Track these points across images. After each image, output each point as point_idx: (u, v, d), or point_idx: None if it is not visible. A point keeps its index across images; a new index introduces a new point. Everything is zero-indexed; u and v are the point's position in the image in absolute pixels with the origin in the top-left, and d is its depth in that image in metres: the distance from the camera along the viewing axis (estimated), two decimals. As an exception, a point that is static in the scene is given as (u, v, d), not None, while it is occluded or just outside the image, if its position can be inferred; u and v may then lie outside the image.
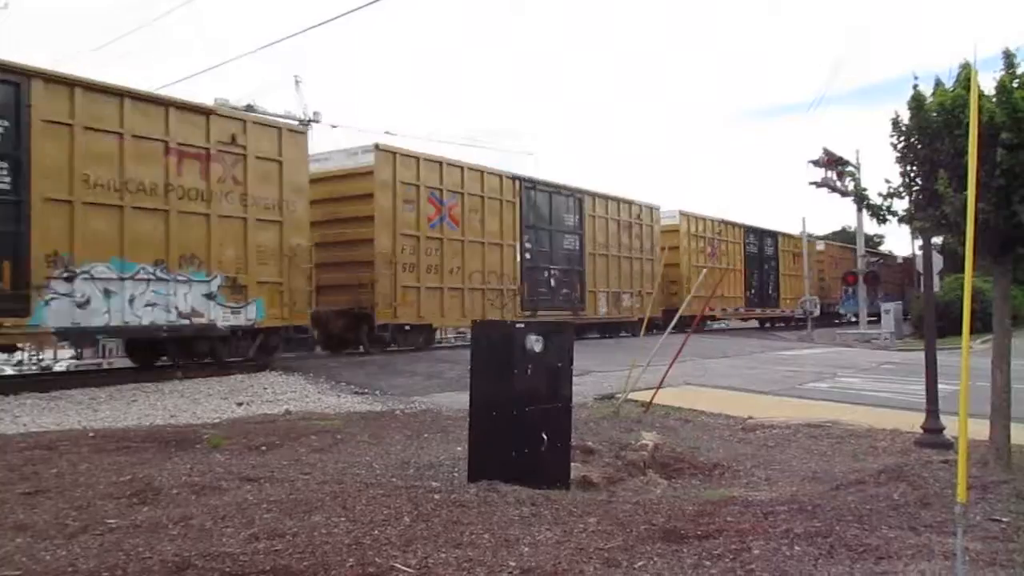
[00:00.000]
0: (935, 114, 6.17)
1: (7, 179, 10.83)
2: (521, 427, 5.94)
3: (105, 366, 19.78)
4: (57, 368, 20.56)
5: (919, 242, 11.13)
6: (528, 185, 21.24)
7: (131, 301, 12.12)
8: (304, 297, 14.94)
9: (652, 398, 10.60)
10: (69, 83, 11.61)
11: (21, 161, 10.91)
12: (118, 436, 7.84)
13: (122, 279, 11.98)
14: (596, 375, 13.78)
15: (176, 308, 12.72)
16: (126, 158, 12.09)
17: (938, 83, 6.44)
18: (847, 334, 31.42)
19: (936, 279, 15.78)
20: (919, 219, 6.63)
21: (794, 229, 37.46)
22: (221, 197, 13.41)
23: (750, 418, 10.27)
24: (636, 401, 10.79)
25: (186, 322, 12.92)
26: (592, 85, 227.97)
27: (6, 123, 10.86)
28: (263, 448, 7.45)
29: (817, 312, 35.02)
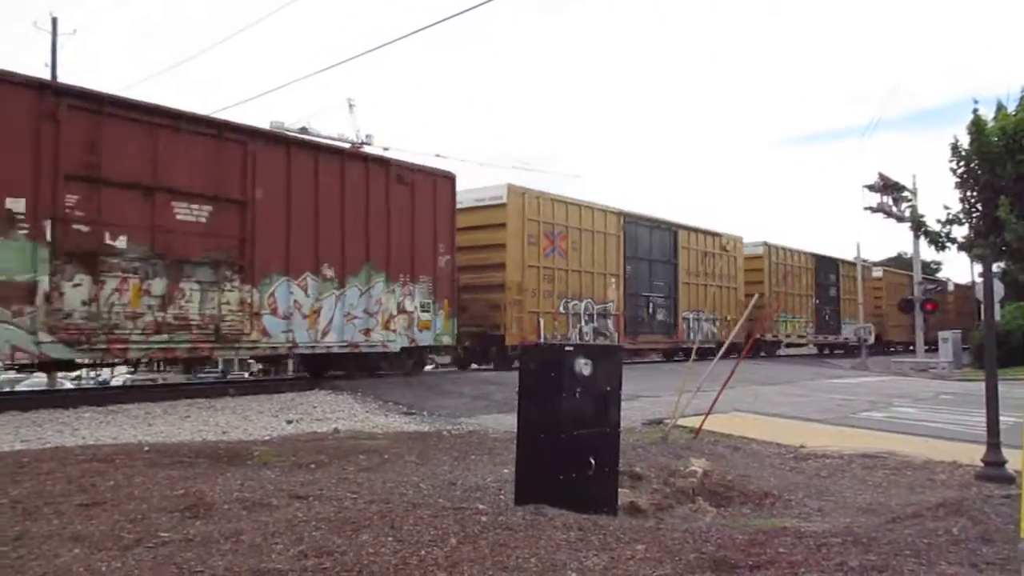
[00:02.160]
0: (996, 139, 6.06)
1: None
2: (569, 451, 5.91)
3: (160, 381, 20.21)
4: (114, 383, 21.05)
5: (979, 269, 10.88)
6: (630, 220, 23.48)
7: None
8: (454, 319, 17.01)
9: (701, 424, 10.46)
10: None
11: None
12: (172, 451, 7.98)
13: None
14: (645, 400, 13.65)
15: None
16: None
17: (999, 107, 6.32)
18: (903, 362, 30.66)
19: (997, 307, 15.34)
20: (979, 246, 6.51)
21: (848, 255, 36.87)
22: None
23: (802, 447, 10.06)
24: (685, 427, 10.65)
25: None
26: (638, 109, 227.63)
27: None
28: (312, 466, 7.52)
29: (872, 340, 34.32)
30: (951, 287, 48.61)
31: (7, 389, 19.52)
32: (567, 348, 6.19)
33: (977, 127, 20.01)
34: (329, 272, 14.60)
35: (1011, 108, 22.80)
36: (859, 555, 4.49)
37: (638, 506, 6.49)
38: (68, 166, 11.15)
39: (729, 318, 26.81)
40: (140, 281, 11.88)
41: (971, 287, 46.75)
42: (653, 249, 24.44)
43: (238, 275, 13.15)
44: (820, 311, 34.65)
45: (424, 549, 4.46)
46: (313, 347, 14.48)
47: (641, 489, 7.05)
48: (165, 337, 12.17)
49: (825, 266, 35.40)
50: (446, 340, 17.01)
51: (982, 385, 8.47)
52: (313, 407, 12.58)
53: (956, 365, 28.92)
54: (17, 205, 10.65)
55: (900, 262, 53.04)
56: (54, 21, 30.28)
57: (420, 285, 16.33)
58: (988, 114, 23.06)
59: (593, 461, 5.98)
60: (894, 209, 32.61)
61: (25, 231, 10.68)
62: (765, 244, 30.67)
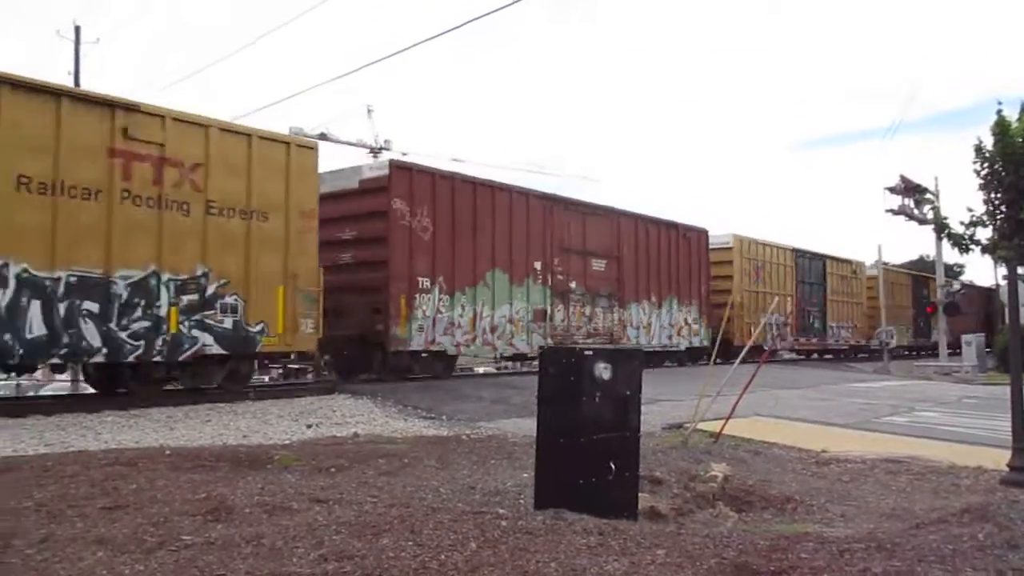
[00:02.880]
0: (1021, 140, 5.98)
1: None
2: (588, 455, 5.89)
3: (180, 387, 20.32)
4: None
5: (1003, 272, 10.75)
6: (799, 254, 31.80)
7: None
8: (710, 329, 25.59)
9: (722, 428, 10.40)
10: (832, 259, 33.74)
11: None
12: (193, 455, 8.04)
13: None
14: (664, 404, 13.60)
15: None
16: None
17: (1024, 108, 6.24)
18: (926, 366, 30.38)
19: (1022, 310, 15.09)
20: (1004, 248, 6.42)
21: (870, 258, 36.58)
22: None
23: (824, 451, 9.98)
24: (705, 431, 10.60)
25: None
26: (652, 112, 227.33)
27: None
28: (332, 470, 7.55)
29: (893, 343, 34.01)
30: (956, 287, 47.14)
31: (31, 393, 19.73)
32: (587, 352, 6.17)
33: (1001, 128, 19.72)
34: (654, 299, 23.56)
35: (1035, 109, 22.69)
36: (883, 561, 4.44)
37: (658, 511, 6.45)
38: (557, 242, 19.88)
39: (858, 326, 36.05)
40: (580, 307, 20.70)
41: (988, 290, 46.25)
42: (811, 274, 32.49)
43: (616, 302, 21.96)
44: (803, 313, 32.16)
45: (444, 553, 4.46)
46: (648, 346, 22.69)
47: (661, 494, 7.02)
48: (591, 340, 19.90)
49: (807, 263, 32.72)
50: (706, 343, 24.96)
51: (1007, 389, 8.36)
52: (332, 411, 12.63)
53: (980, 369, 28.62)
54: (538, 265, 19.40)
55: (923, 265, 52.58)
56: (77, 30, 30.64)
57: (692, 306, 25.20)
58: (1012, 115, 22.91)
59: (613, 465, 5.95)
60: (916, 212, 32.38)
61: (541, 279, 19.49)
62: (734, 236, 28.52)
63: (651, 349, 22.62)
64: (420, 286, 16.30)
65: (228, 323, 12.88)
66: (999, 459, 8.34)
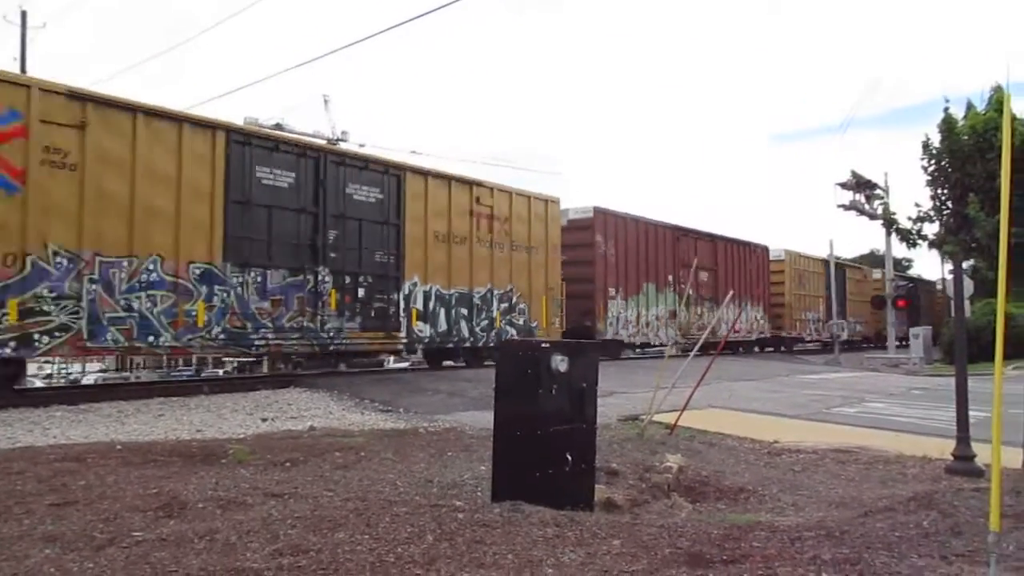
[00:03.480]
0: (966, 137, 6.14)
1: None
2: (545, 447, 5.92)
3: (132, 379, 19.99)
4: (85, 382, 20.78)
5: (949, 266, 11.02)
6: (827, 264, 36.55)
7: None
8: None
9: (677, 420, 10.53)
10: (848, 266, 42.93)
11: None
12: (145, 449, 7.90)
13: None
14: (621, 396, 13.71)
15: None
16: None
17: (969, 106, 6.41)
18: (875, 358, 31.04)
19: (967, 304, 15.57)
20: (950, 243, 6.58)
21: (823, 252, 37.23)
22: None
23: (776, 442, 10.16)
24: (661, 423, 10.71)
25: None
26: (615, 108, 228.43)
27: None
28: (287, 464, 7.48)
29: (844, 335, 34.72)
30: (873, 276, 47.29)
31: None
32: (543, 345, 6.20)
33: (948, 126, 20.25)
34: (737, 301, 28.95)
35: (981, 107, 23.29)
36: (832, 548, 4.55)
37: (614, 502, 6.51)
38: (680, 261, 25.89)
39: (867, 322, 42.02)
40: (695, 308, 27.00)
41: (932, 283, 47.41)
42: (835, 279, 36.57)
43: (714, 304, 27.87)
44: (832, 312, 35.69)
45: (401, 547, 4.46)
46: (733, 338, 27.21)
47: (617, 485, 7.08)
48: (699, 333, 22.20)
49: (832, 270, 35.72)
50: (767, 335, 32.55)
51: (952, 380, 8.60)
52: (288, 404, 12.50)
53: (927, 360, 29.34)
54: (670, 278, 25.63)
55: (873, 259, 53.65)
56: (23, 15, 29.88)
57: (759, 306, 31.81)
58: (959, 113, 23.56)
59: (570, 457, 5.99)
60: (867, 207, 32.98)
61: (671, 288, 25.75)
62: (786, 251, 34.45)
63: (735, 339, 28.78)
64: (609, 295, 23.08)
65: (521, 321, 19.26)
66: (944, 448, 8.57)
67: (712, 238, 28.97)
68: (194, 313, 12.69)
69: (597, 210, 23.01)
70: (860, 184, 32.77)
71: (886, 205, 30.59)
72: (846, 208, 32.83)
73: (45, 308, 11.02)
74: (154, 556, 4.23)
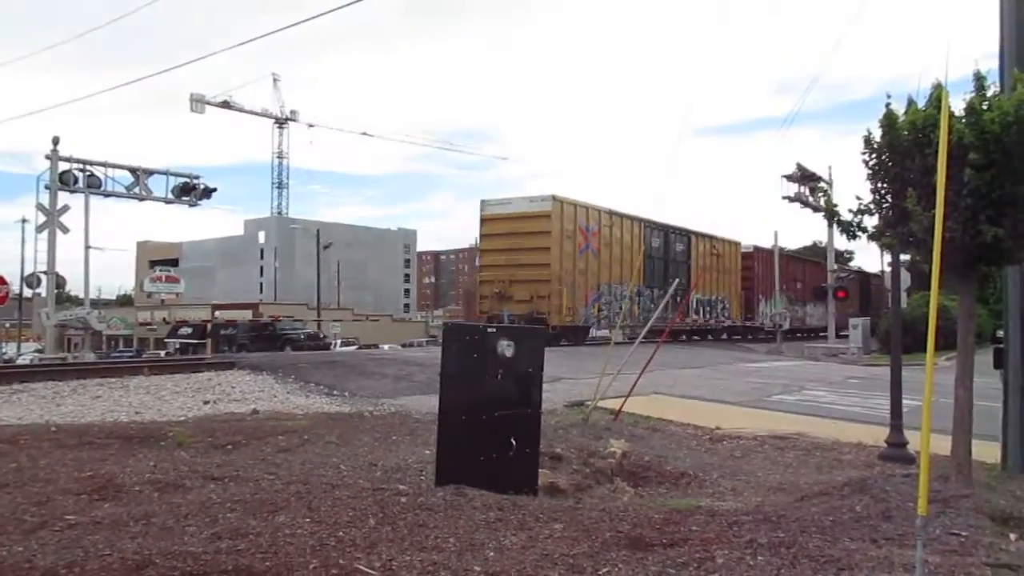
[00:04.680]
0: (906, 133, 6.26)
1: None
2: (490, 432, 5.93)
3: (70, 359, 19.49)
4: (20, 362, 20.20)
5: (888, 259, 11.33)
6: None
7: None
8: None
9: (621, 406, 10.64)
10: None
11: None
12: (81, 431, 7.73)
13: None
14: (567, 382, 13.81)
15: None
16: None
17: (910, 102, 6.53)
18: (815, 348, 31.76)
19: (903, 296, 16.00)
20: (888, 236, 6.72)
21: (767, 242, 37.93)
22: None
23: (717, 428, 10.34)
24: (605, 409, 10.81)
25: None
26: (562, 93, 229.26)
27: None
28: (229, 447, 7.38)
29: (787, 325, 35.45)
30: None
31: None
32: (489, 330, 6.20)
33: (889, 121, 20.71)
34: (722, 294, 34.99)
35: (921, 104, 23.80)
36: (768, 532, 4.65)
37: (558, 486, 6.57)
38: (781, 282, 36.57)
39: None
40: (802, 313, 41.02)
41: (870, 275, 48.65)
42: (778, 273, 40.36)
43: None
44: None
45: (342, 530, 4.43)
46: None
47: (561, 470, 7.14)
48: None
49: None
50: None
51: (888, 370, 8.84)
52: (232, 387, 12.33)
53: (865, 351, 30.11)
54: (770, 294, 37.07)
55: (816, 251, 54.79)
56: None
57: (730, 296, 35.43)
58: (900, 109, 24.04)
59: (514, 442, 6.02)
60: (810, 199, 33.62)
61: (786, 295, 37.89)
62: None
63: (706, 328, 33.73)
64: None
65: (726, 315, 35.26)
66: (878, 435, 8.83)
67: (687, 233, 31.57)
68: (635, 309, 26.93)
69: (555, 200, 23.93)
70: (805, 177, 33.41)
71: (828, 197, 31.19)
72: (791, 200, 33.44)
73: (603, 311, 26.17)
74: (87, 539, 4.13)
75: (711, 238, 33.42)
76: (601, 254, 25.92)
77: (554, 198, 23.79)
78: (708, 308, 33.03)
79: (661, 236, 29.96)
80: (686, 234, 31.57)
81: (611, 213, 26.69)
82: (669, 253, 30.49)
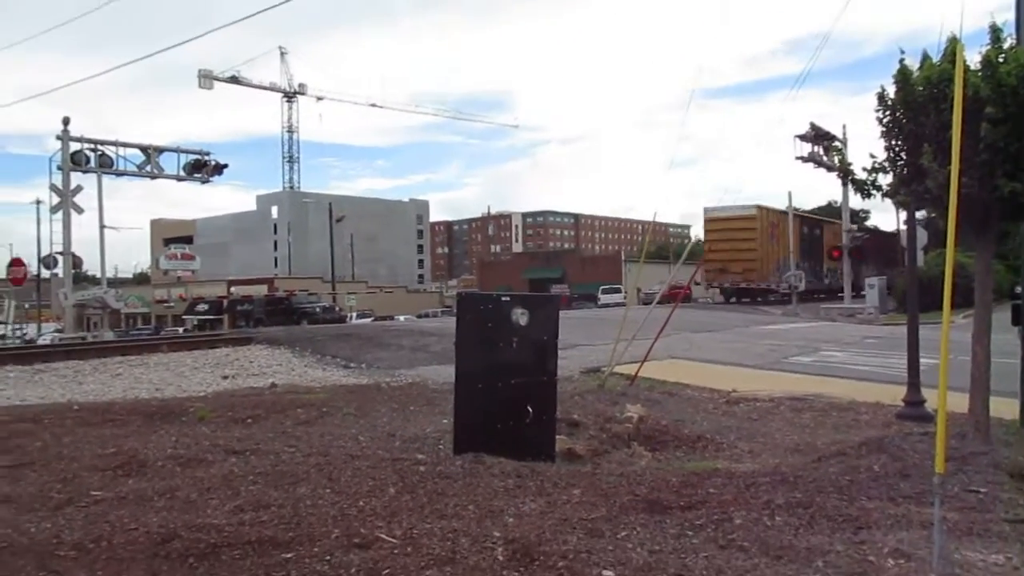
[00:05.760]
0: (921, 88, 6.16)
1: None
2: (506, 400, 5.96)
3: (90, 338, 19.69)
4: (41, 342, 20.43)
5: (904, 216, 11.21)
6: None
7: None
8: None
9: (637, 371, 10.65)
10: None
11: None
12: (103, 409, 7.83)
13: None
14: (583, 348, 13.83)
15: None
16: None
17: (925, 57, 6.42)
18: (831, 309, 31.60)
19: (920, 254, 15.87)
20: (903, 193, 6.64)
21: (782, 204, 37.70)
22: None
23: (734, 391, 10.34)
24: (621, 374, 10.83)
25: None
26: (573, 58, 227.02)
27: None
28: (249, 421, 7.46)
29: (802, 287, 35.29)
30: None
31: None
32: (503, 298, 6.20)
33: (903, 76, 20.38)
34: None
35: (936, 58, 23.41)
36: (786, 493, 4.67)
37: (575, 452, 6.60)
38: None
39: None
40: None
41: (891, 234, 48.25)
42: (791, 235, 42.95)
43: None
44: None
45: (363, 500, 4.48)
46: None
47: (578, 435, 7.17)
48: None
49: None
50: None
51: (905, 329, 8.79)
52: (250, 362, 12.44)
53: (882, 310, 29.94)
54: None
55: (831, 211, 54.34)
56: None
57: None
58: (914, 64, 23.66)
59: (531, 410, 6.05)
60: (824, 158, 33.25)
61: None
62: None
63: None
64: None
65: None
66: (896, 395, 8.80)
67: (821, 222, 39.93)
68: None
69: None
70: (819, 136, 33.01)
71: (843, 156, 30.89)
72: (804, 160, 33.06)
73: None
74: (113, 515, 4.20)
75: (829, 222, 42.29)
76: (780, 240, 36.42)
77: (757, 207, 36.08)
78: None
79: (808, 225, 41.00)
80: (819, 224, 42.82)
81: (781, 212, 36.74)
82: (812, 236, 40.72)
